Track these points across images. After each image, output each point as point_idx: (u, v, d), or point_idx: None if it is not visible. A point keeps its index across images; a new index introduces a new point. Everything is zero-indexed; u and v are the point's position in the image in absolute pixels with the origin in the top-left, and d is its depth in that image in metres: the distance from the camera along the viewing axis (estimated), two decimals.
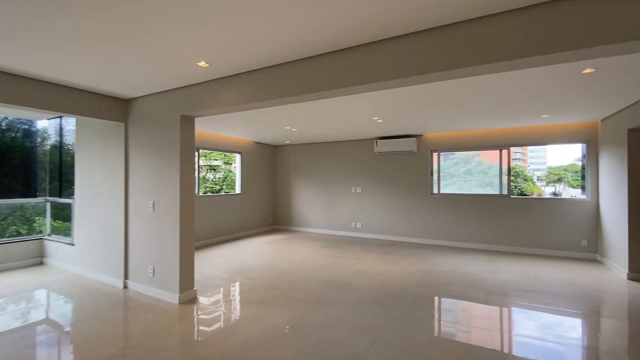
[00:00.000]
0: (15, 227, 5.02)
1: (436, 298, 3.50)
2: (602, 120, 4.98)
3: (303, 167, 7.99)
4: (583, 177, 5.38)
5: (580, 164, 5.56)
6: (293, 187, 8.13)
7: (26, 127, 5.27)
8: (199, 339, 2.62)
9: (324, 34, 2.15)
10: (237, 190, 7.30)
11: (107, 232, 3.96)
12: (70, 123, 4.95)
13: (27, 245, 4.78)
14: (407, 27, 2.05)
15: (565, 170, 5.90)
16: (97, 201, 4.08)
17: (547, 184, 5.95)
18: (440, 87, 3.34)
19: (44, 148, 5.34)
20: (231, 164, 8.61)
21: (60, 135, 5.13)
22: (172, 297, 3.35)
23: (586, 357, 2.37)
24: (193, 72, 2.89)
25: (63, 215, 4.97)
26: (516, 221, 5.68)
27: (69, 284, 3.96)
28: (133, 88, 3.39)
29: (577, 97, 3.67)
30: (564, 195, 5.77)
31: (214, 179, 8.15)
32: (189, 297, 3.41)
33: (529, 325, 2.83)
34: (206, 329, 2.78)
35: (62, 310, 3.22)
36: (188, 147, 3.42)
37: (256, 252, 5.66)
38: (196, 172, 6.23)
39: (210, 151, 7.52)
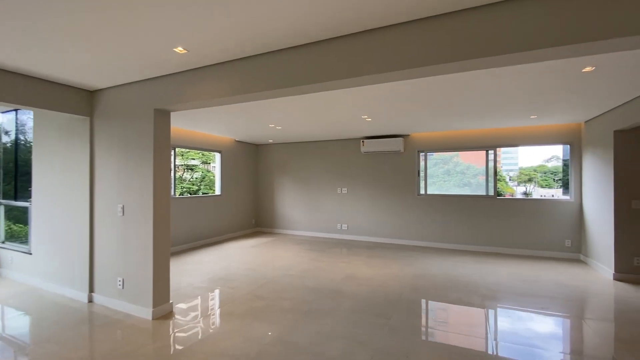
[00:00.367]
0: None
1: (432, 304, 3.34)
2: (586, 122, 5.04)
3: (286, 167, 7.71)
4: (565, 180, 5.44)
5: (549, 165, 5.75)
6: (276, 188, 7.83)
7: None
8: None
9: (319, 18, 1.91)
10: (217, 191, 6.91)
11: (69, 240, 3.53)
12: (30, 117, 4.43)
13: None
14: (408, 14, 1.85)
15: (534, 170, 6.08)
16: (58, 205, 3.64)
17: (519, 184, 6.11)
18: (433, 84, 3.19)
19: None
20: (209, 163, 8.20)
21: (17, 131, 4.59)
22: (144, 311, 2.99)
23: None
24: (169, 60, 2.56)
25: (25, 218, 4.43)
26: (501, 222, 5.67)
27: (25, 298, 3.50)
28: (100, 77, 3.00)
29: (567, 97, 3.64)
30: (534, 195, 5.91)
31: (191, 179, 7.72)
32: (164, 312, 3.07)
33: (533, 332, 2.71)
34: (184, 348, 2.47)
35: (18, 330, 2.79)
36: (163, 144, 3.08)
37: (238, 257, 5.34)
38: (172, 172, 5.81)
39: (188, 150, 7.11)
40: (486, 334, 2.69)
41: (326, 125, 5.43)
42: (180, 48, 2.34)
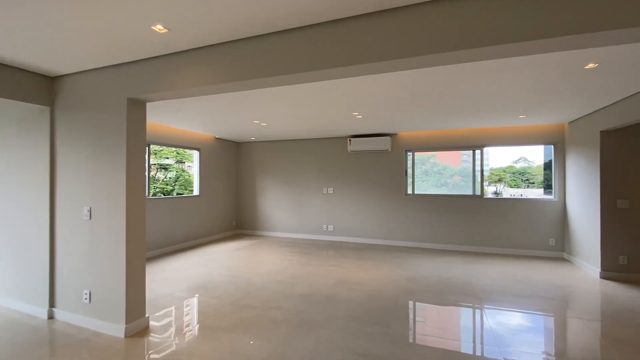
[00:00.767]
0: None
1: (430, 309, 3.19)
2: (570, 122, 5.12)
3: (270, 166, 7.39)
4: (549, 179, 5.52)
5: (517, 166, 6.05)
6: (259, 188, 7.50)
7: None
8: None
9: None
10: (195, 191, 6.49)
11: (24, 248, 3.08)
12: None
13: None
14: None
15: (504, 171, 6.32)
16: (14, 207, 3.17)
17: (489, 183, 6.34)
18: (423, 79, 3.04)
19: None
20: (184, 162, 7.74)
21: None
22: (116, 329, 2.63)
23: None
24: (146, 40, 2.23)
25: None
26: (488, 221, 5.68)
27: None
28: (62, 60, 2.60)
29: (561, 97, 3.62)
30: (505, 195, 6.11)
31: (165, 179, 7.23)
32: (138, 328, 2.71)
33: (538, 335, 2.61)
34: None
35: None
36: (137, 138, 2.72)
37: (220, 262, 4.98)
38: (146, 171, 5.36)
39: (162, 147, 6.64)
40: (493, 339, 2.56)
41: (314, 121, 5.19)
42: (159, 26, 2.02)
